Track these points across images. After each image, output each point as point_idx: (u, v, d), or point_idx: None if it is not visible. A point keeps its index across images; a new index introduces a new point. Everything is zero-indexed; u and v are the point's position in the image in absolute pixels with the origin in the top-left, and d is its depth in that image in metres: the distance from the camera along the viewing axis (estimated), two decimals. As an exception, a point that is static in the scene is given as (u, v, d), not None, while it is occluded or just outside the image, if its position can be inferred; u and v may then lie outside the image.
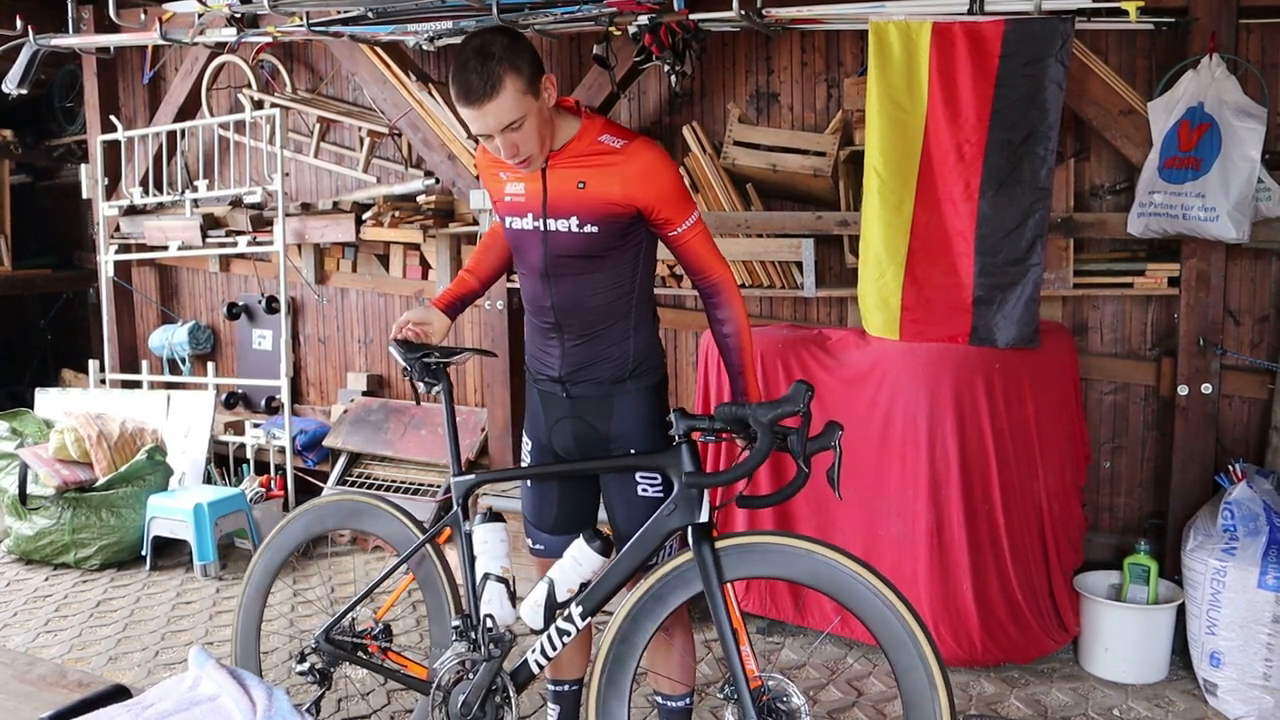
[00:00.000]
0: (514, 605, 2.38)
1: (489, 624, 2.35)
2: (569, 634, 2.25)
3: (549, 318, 2.32)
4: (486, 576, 2.36)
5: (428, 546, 2.54)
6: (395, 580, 2.61)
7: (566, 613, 2.24)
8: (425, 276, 5.13)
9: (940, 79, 3.23)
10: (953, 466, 3.12)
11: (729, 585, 2.10)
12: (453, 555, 2.60)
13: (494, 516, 2.43)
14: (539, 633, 2.29)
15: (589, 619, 2.25)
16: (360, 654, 2.60)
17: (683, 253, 2.28)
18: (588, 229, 2.22)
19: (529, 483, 2.50)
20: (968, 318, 3.27)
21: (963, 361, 3.21)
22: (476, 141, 2.62)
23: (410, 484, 4.78)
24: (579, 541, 2.26)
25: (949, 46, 3.22)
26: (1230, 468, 3.29)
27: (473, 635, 2.37)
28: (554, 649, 2.27)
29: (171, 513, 4.47)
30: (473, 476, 2.45)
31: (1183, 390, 3.49)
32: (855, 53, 4.09)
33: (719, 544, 2.11)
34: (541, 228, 2.25)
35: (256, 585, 2.80)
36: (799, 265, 3.98)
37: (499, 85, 2.05)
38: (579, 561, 2.25)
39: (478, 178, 4.46)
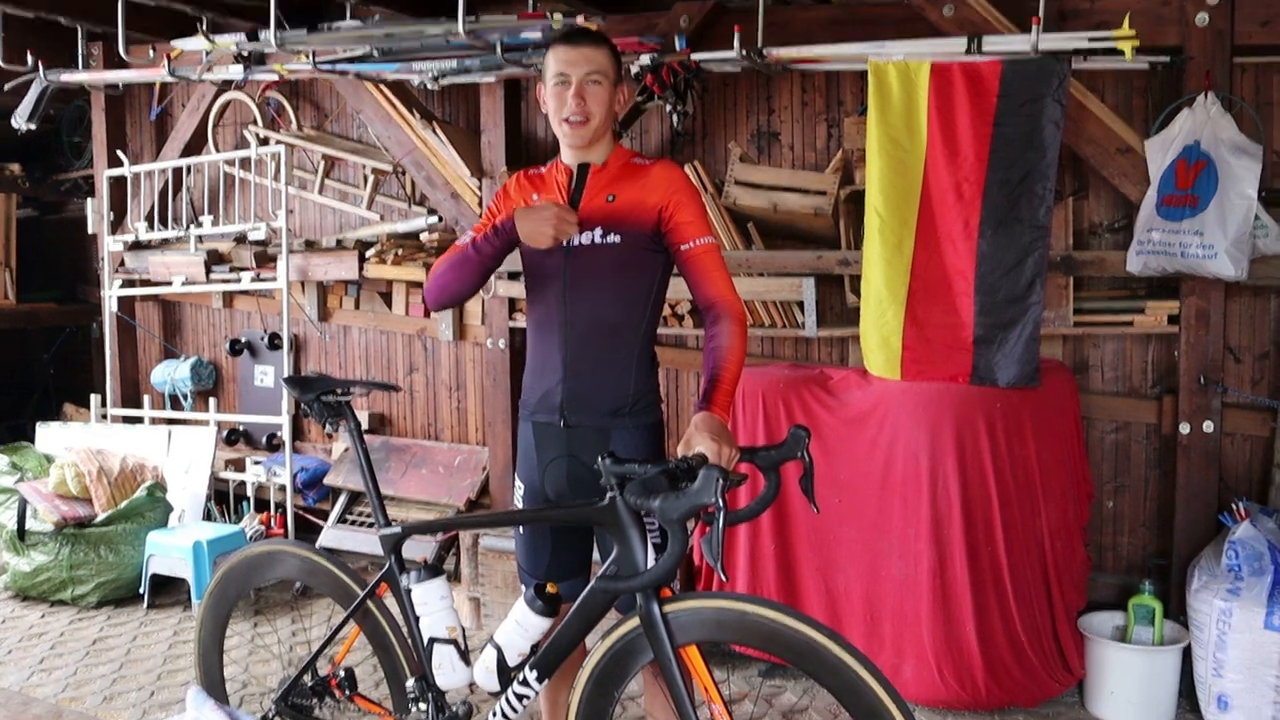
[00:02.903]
0: (468, 664, 2.28)
1: (442, 698, 2.27)
2: (527, 697, 2.15)
3: (556, 338, 2.31)
4: (433, 641, 2.27)
5: (370, 602, 2.42)
6: (348, 630, 2.50)
7: (521, 676, 2.14)
8: (428, 315, 5.12)
9: (939, 118, 3.25)
10: (955, 506, 3.10)
11: (690, 648, 1.94)
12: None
13: (433, 570, 2.33)
14: (497, 695, 2.19)
15: (545, 680, 2.14)
16: (321, 712, 2.49)
17: (695, 269, 2.25)
18: (611, 239, 2.26)
19: (522, 529, 2.46)
20: (968, 357, 3.27)
21: (964, 401, 3.20)
22: (512, 168, 2.63)
23: (410, 521, 4.76)
24: (520, 604, 2.14)
25: (947, 86, 3.24)
26: (1233, 506, 3.26)
27: (428, 702, 2.29)
28: (514, 712, 2.16)
29: (170, 550, 4.44)
30: (398, 528, 2.36)
31: (1184, 428, 3.47)
32: (855, 92, 4.11)
33: (668, 607, 1.92)
34: (565, 241, 2.27)
35: (208, 639, 2.72)
36: (800, 305, 3.98)
37: (600, 44, 2.27)
38: (523, 625, 2.13)
39: (480, 215, 4.48)
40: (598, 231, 2.27)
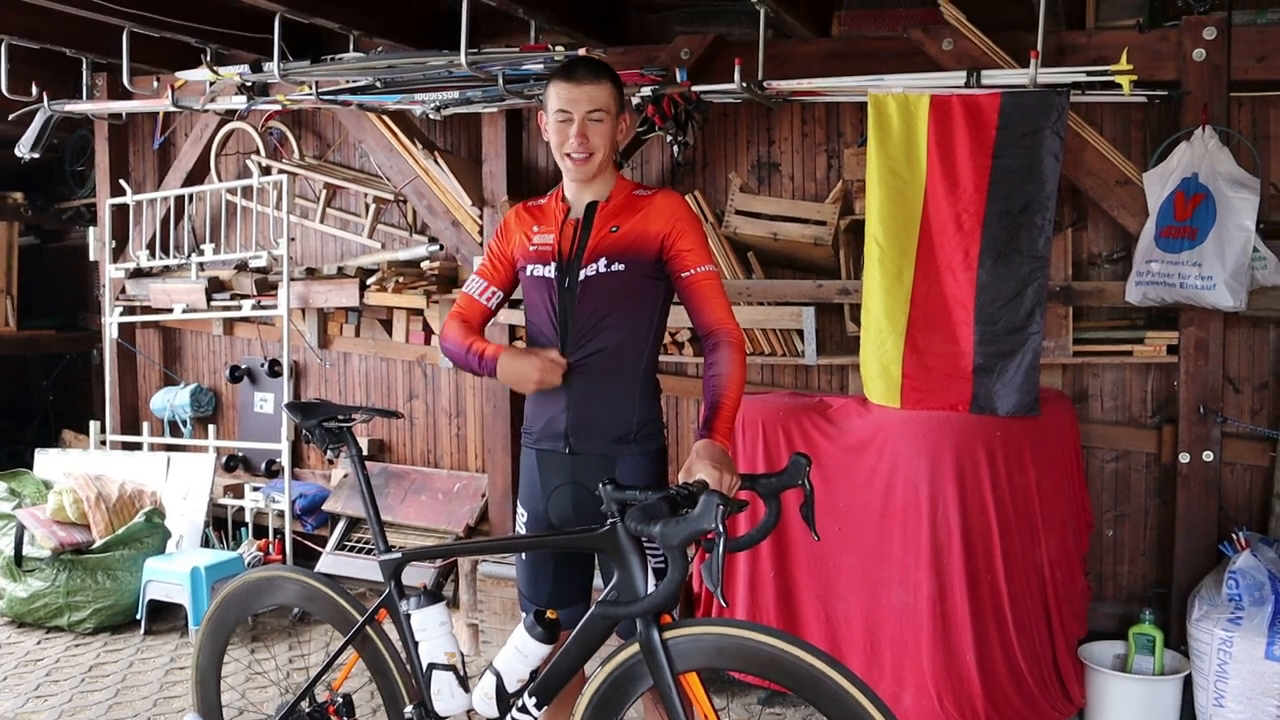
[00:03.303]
0: (466, 690, 2.27)
1: None
2: None
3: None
4: (432, 667, 2.27)
5: (369, 627, 2.42)
6: (346, 656, 2.50)
7: (520, 702, 2.12)
8: (428, 342, 5.14)
9: (938, 150, 3.28)
10: (954, 534, 3.10)
11: (690, 675, 1.93)
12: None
13: (432, 596, 2.34)
14: None
15: (544, 707, 2.12)
16: None
17: (695, 296, 2.28)
18: (614, 267, 2.29)
19: (524, 555, 2.46)
20: (968, 386, 3.28)
21: (964, 429, 3.21)
22: (516, 199, 2.66)
23: (409, 549, 4.75)
24: (520, 630, 2.14)
25: (947, 119, 3.27)
26: (1234, 536, 3.27)
27: None
28: None
29: (168, 576, 4.43)
30: (398, 554, 2.37)
31: (1184, 458, 3.48)
32: (855, 124, 4.14)
33: (668, 634, 1.92)
34: (564, 274, 2.31)
35: (205, 666, 2.70)
36: (800, 333, 3.99)
37: (602, 78, 2.30)
38: (522, 652, 2.12)
39: (481, 244, 4.52)
40: (601, 262, 2.30)
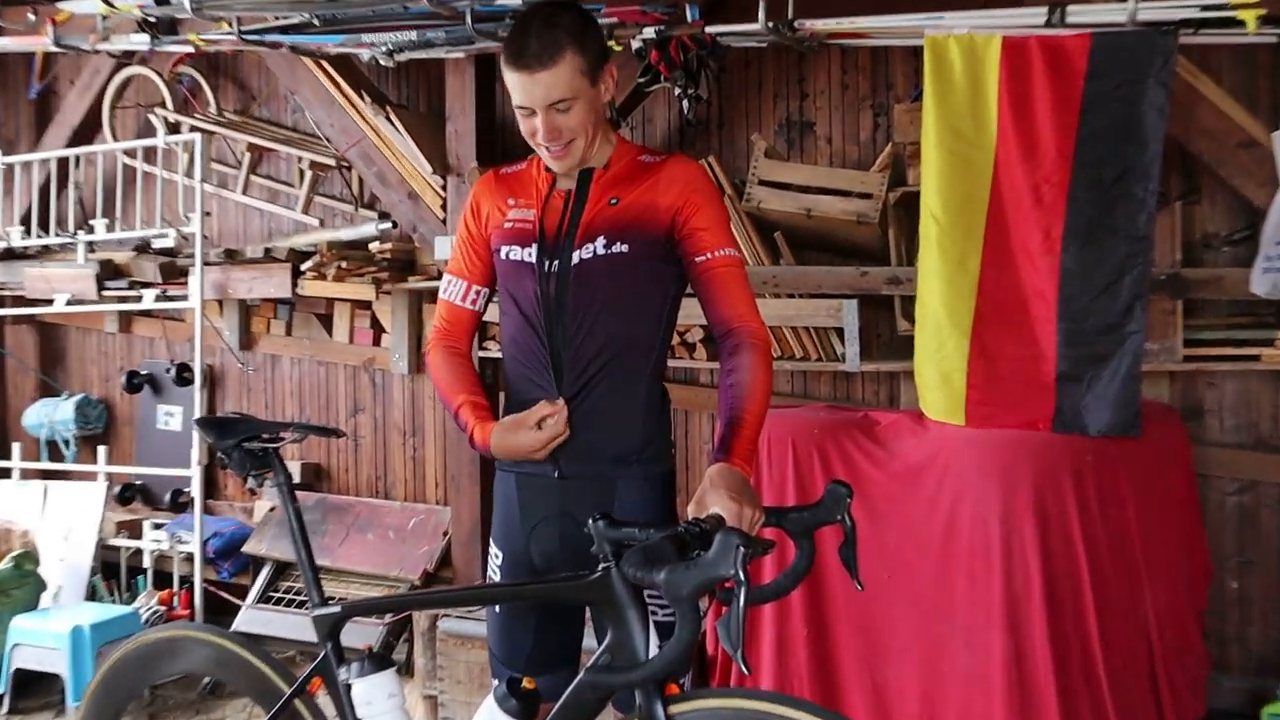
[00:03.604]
0: None
1: None
2: None
3: (547, 369, 2.33)
4: None
5: (299, 701, 2.40)
6: None
7: None
8: (377, 342, 5.15)
9: (1012, 105, 3.29)
10: (1035, 585, 3.09)
11: None
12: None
13: (379, 661, 2.33)
14: None
15: None
16: None
17: (711, 286, 2.29)
18: (616, 248, 2.30)
19: (497, 608, 2.45)
20: (1050, 398, 3.28)
21: (1045, 453, 3.21)
22: (484, 166, 2.68)
23: (350, 602, 4.74)
24: (489, 703, 2.14)
25: (1023, 65, 3.27)
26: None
27: None
28: None
29: (41, 638, 4.37)
30: (337, 608, 2.35)
31: (1326, 490, 3.49)
32: (908, 73, 4.16)
33: (675, 708, 1.90)
34: (550, 257, 2.32)
35: None
36: (839, 332, 3.99)
37: (558, 56, 2.21)
38: None
39: (444, 220, 4.53)
40: (600, 241, 2.30)
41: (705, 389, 4.45)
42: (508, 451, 2.32)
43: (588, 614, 2.46)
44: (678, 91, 3.91)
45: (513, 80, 2.26)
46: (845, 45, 3.96)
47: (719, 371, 2.27)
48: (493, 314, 2.91)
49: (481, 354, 4.47)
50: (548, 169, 2.41)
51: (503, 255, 2.40)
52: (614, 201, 2.33)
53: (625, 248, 2.30)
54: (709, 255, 2.29)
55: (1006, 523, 3.14)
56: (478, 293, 2.49)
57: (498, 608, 2.45)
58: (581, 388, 2.31)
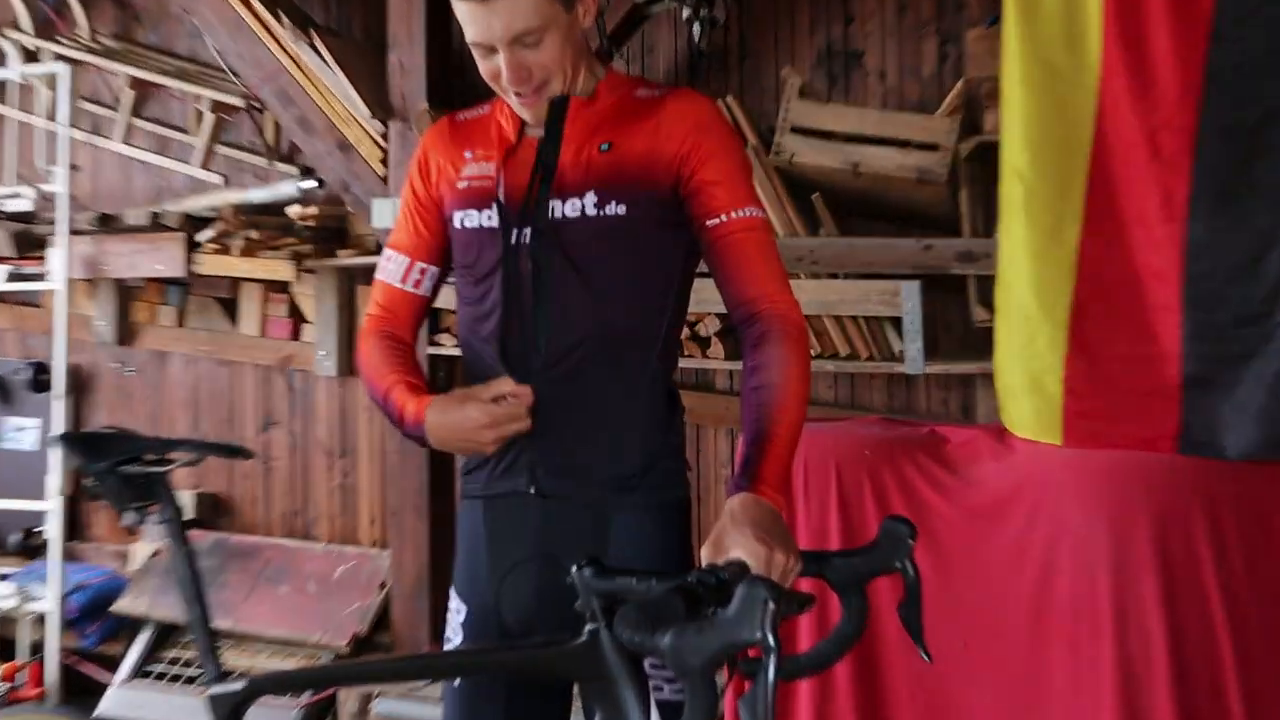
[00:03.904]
0: None
1: None
2: None
3: (520, 365, 2.30)
4: None
5: None
6: None
7: None
8: (297, 335, 5.14)
9: (1120, 29, 3.24)
10: (1157, 652, 3.06)
11: None
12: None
13: None
14: None
15: None
16: None
17: (729, 256, 2.27)
18: (611, 209, 2.27)
19: (457, 682, 2.43)
20: (1174, 410, 3.24)
21: (1168, 482, 3.18)
22: (438, 107, 2.66)
23: (262, 673, 4.72)
24: None
25: (1137, -24, 3.25)
26: None
27: None
28: None
29: None
30: (240, 684, 2.32)
31: None
32: (985, -11, 4.14)
33: None
34: (518, 222, 2.30)
35: None
36: (896, 323, 3.99)
37: None
38: None
39: (384, 178, 4.50)
40: (589, 199, 2.28)
41: (723, 396, 4.46)
42: (449, 432, 2.26)
43: (575, 689, 2.43)
44: (687, 13, 3.91)
45: (463, 11, 2.23)
46: (904, -48, 3.94)
47: (743, 370, 2.23)
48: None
49: (433, 350, 4.44)
50: (515, 115, 2.40)
51: (458, 223, 2.40)
52: (606, 147, 2.31)
53: (623, 209, 2.27)
54: (724, 217, 2.27)
55: (1119, 573, 3.12)
56: (423, 272, 2.49)
57: (458, 682, 2.43)
58: (564, 389, 2.29)
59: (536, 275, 2.30)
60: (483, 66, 2.29)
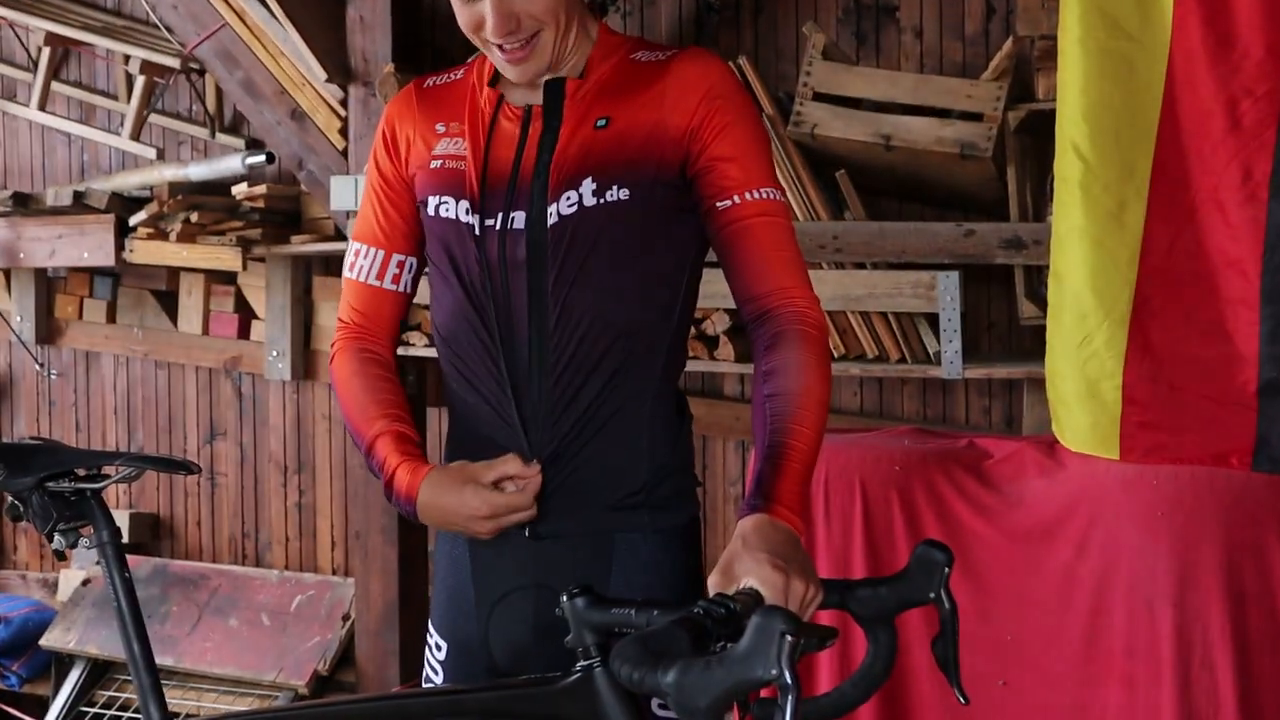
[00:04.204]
0: None
1: None
2: None
3: (507, 372, 2.31)
4: None
5: None
6: None
7: None
8: (245, 333, 5.14)
9: (1195, -18, 3.27)
10: (1225, 698, 3.06)
11: None
12: None
13: None
14: None
15: None
16: None
17: (741, 244, 2.26)
18: (611, 195, 2.26)
19: None
20: (1250, 421, 3.24)
21: (1242, 504, 3.18)
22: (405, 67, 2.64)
23: (205, 722, 4.74)
24: None
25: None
26: None
27: None
28: None
29: None
30: None
31: None
32: (1037, -66, 4.15)
33: None
34: (500, 215, 2.29)
35: None
36: (932, 320, 3.99)
37: None
38: None
39: (344, 152, 4.50)
40: (587, 185, 2.26)
41: (733, 403, 4.45)
42: (442, 515, 2.28)
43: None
44: (692, -37, 3.90)
45: None
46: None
47: (755, 374, 2.23)
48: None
49: (402, 351, 4.43)
50: (492, 88, 2.38)
51: (431, 210, 2.37)
52: (603, 123, 2.29)
53: (625, 193, 2.26)
54: (736, 199, 2.25)
55: (1182, 608, 3.13)
56: (401, 265, 2.46)
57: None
58: (561, 397, 2.29)
59: (530, 271, 2.29)
60: (462, 15, 2.28)
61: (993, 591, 3.29)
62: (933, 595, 1.97)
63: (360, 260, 2.45)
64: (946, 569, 1.97)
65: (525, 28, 2.23)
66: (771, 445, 2.12)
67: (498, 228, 2.30)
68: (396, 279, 2.45)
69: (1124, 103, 3.33)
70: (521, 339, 2.30)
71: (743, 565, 1.93)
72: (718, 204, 2.26)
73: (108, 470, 2.60)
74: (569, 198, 2.27)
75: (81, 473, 2.55)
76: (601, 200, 2.26)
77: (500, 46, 2.26)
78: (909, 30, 4.31)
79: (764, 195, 2.26)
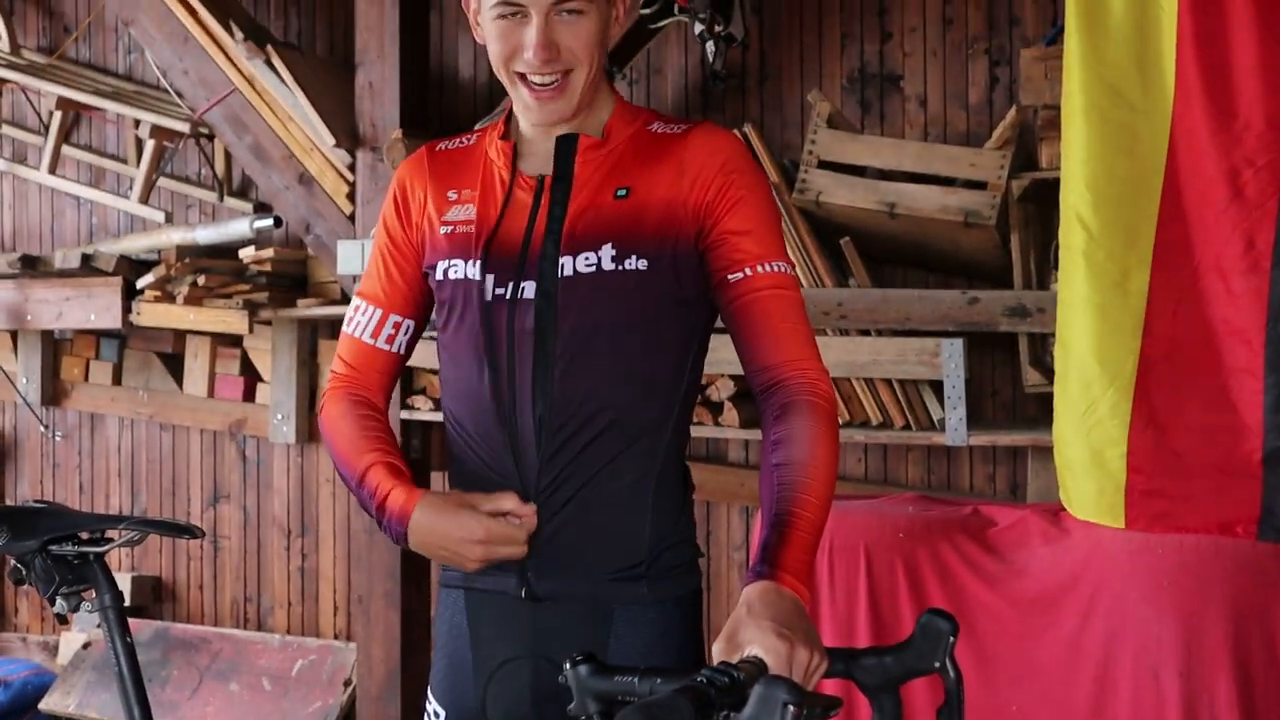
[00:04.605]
0: None
1: None
2: None
3: (513, 442, 2.30)
4: None
5: None
6: None
7: None
8: (250, 396, 5.14)
9: (1198, 50, 3.26)
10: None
11: None
12: None
13: None
14: None
15: None
16: None
17: (753, 318, 2.25)
18: (631, 264, 2.26)
19: None
20: (1255, 490, 3.23)
21: (1248, 573, 3.17)
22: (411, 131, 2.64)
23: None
24: None
25: (1215, -10, 3.27)
26: None
27: None
28: None
29: None
30: None
31: None
32: (1040, 1, 4.17)
33: None
34: (511, 279, 2.28)
35: None
36: (936, 387, 3.99)
37: None
38: None
39: (351, 216, 4.51)
40: (606, 251, 2.26)
41: (737, 469, 4.44)
42: (435, 538, 2.25)
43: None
44: (699, 29, 3.91)
45: None
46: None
47: (764, 442, 2.22)
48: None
49: (406, 415, 4.43)
50: (505, 135, 2.38)
51: (441, 274, 2.36)
52: (623, 193, 2.29)
53: (644, 263, 2.25)
54: (749, 270, 2.25)
55: (1190, 678, 3.11)
56: (398, 326, 2.45)
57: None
58: (565, 477, 2.28)
59: (539, 339, 2.29)
60: (499, 44, 2.26)
61: (997, 660, 3.28)
62: (938, 664, 1.96)
63: (359, 316, 2.45)
64: (952, 638, 1.96)
65: (562, 61, 2.23)
66: (778, 514, 2.11)
67: (507, 296, 2.29)
68: (391, 339, 2.44)
69: (1127, 172, 3.34)
70: (526, 407, 2.29)
71: (747, 633, 1.92)
72: (730, 276, 2.26)
73: (111, 534, 2.59)
74: (587, 258, 2.26)
75: (85, 536, 2.55)
76: (620, 267, 2.25)
77: (530, 84, 2.26)
78: (913, 99, 4.33)
79: (776, 268, 2.27)
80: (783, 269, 2.27)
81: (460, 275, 2.33)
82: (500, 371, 2.30)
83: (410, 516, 2.25)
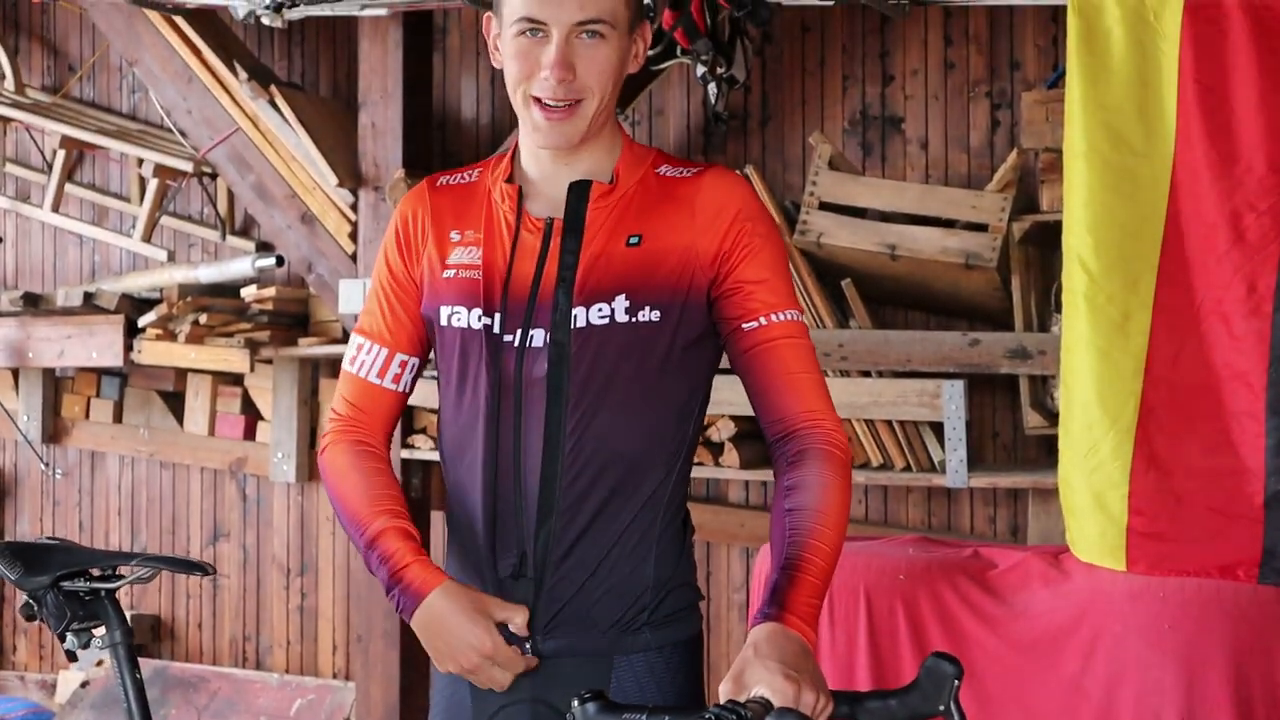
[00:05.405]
0: None
1: None
2: None
3: (515, 489, 2.28)
4: None
5: None
6: None
7: None
8: (251, 434, 5.13)
9: (1199, 94, 3.27)
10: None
11: None
12: None
13: None
14: None
15: None
16: None
17: (766, 367, 2.25)
18: (644, 316, 2.24)
19: None
20: (1257, 533, 3.23)
21: (1250, 616, 3.16)
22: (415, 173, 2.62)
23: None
24: None
25: (1216, 35, 3.26)
26: None
27: None
28: None
29: None
30: None
31: None
32: (1043, 45, 4.19)
33: None
34: (517, 328, 2.26)
35: None
36: (937, 429, 3.99)
37: None
38: None
39: (353, 256, 4.52)
40: (620, 303, 2.24)
41: (737, 510, 4.44)
42: (440, 631, 2.25)
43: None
44: (701, 71, 3.91)
45: None
46: (949, 4, 3.97)
47: (776, 488, 2.21)
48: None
49: (406, 454, 4.42)
50: (511, 177, 2.36)
51: (444, 320, 2.33)
52: (635, 240, 2.27)
53: (656, 314, 2.24)
54: (763, 319, 2.24)
55: (1191, 719, 3.09)
56: (403, 365, 2.41)
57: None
58: (569, 528, 2.26)
59: (551, 388, 2.26)
60: (516, 62, 2.25)
61: (998, 703, 3.27)
62: (942, 707, 1.95)
63: (363, 356, 2.41)
64: (956, 681, 1.95)
65: (576, 87, 2.22)
66: (789, 557, 2.12)
67: (515, 344, 2.27)
68: (397, 379, 2.41)
69: (1128, 216, 3.35)
70: (535, 455, 2.27)
71: (754, 673, 1.92)
72: (744, 325, 2.25)
73: (122, 570, 2.58)
74: (600, 309, 2.24)
75: (96, 573, 2.54)
76: (633, 319, 2.24)
77: (546, 102, 2.23)
78: (914, 141, 4.33)
79: (789, 317, 2.26)
80: (795, 317, 2.27)
81: (464, 324, 2.31)
82: (506, 420, 2.28)
83: (425, 599, 2.24)
